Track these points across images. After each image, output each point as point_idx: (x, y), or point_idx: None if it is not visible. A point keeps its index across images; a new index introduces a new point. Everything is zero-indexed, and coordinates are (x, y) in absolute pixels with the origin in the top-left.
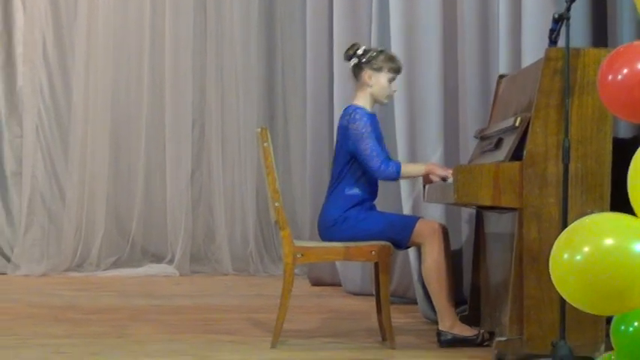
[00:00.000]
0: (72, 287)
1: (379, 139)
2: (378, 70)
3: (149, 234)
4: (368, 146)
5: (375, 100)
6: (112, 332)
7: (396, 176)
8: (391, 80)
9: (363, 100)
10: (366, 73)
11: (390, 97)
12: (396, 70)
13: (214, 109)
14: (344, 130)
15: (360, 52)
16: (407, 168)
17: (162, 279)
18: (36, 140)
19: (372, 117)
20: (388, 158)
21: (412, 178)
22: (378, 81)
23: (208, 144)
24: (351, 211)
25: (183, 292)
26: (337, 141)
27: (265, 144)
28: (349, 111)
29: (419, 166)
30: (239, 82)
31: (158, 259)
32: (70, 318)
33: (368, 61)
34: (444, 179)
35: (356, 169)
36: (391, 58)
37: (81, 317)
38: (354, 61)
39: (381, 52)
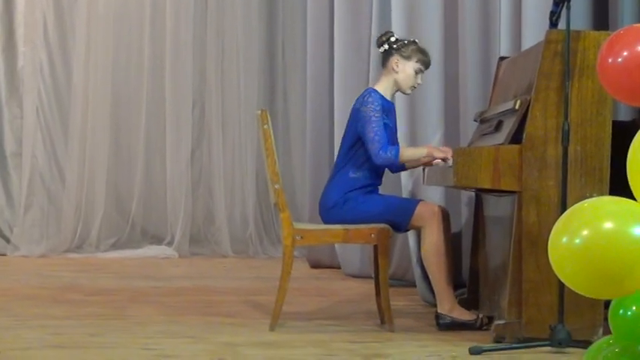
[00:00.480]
0: (71, 268)
1: (391, 127)
2: (407, 58)
3: (149, 215)
4: (373, 130)
5: (398, 88)
6: (111, 314)
7: (394, 160)
8: (418, 72)
9: (384, 86)
10: (394, 59)
11: (414, 88)
12: (425, 63)
13: (214, 91)
14: (356, 113)
15: (392, 39)
16: (407, 152)
17: (162, 260)
18: (36, 121)
19: (388, 104)
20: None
21: (414, 161)
22: (404, 69)
23: (208, 125)
24: (352, 193)
25: (183, 274)
26: (347, 123)
27: (265, 126)
28: (365, 94)
29: (420, 149)
30: (239, 64)
31: (158, 240)
32: (70, 299)
33: (398, 49)
34: (444, 160)
35: (362, 152)
36: (422, 51)
37: (80, 298)
38: (385, 47)
39: (413, 42)
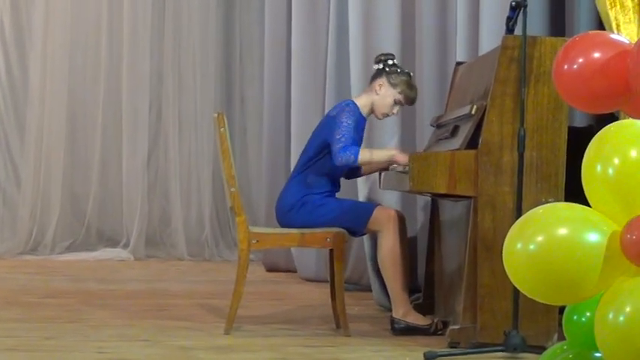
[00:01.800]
0: (26, 271)
1: (359, 140)
2: (393, 85)
3: (104, 217)
4: (340, 132)
5: (371, 110)
6: (65, 317)
7: (354, 160)
8: (397, 103)
9: (363, 102)
10: (380, 81)
11: (386, 116)
12: (408, 98)
13: (171, 93)
14: (330, 120)
15: (390, 62)
16: (367, 153)
17: (117, 263)
18: None
19: (362, 119)
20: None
21: (374, 164)
22: (385, 94)
23: (165, 128)
24: (309, 197)
25: (138, 277)
26: (317, 129)
27: (222, 129)
28: (343, 104)
29: (383, 152)
30: (196, 66)
31: (113, 242)
32: (24, 302)
33: (389, 73)
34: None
35: (324, 163)
36: (411, 85)
37: (34, 301)
38: (379, 66)
39: (406, 73)
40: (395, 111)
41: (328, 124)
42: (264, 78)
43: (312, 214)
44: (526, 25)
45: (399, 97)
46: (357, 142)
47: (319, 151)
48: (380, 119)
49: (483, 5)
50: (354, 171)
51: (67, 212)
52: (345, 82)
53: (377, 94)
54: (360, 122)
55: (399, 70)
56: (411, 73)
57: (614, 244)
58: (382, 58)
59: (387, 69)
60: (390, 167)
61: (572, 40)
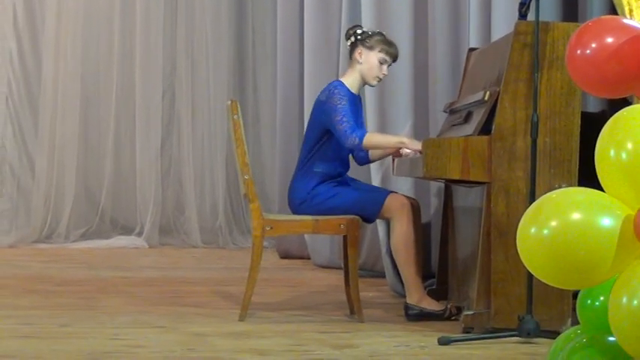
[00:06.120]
0: (40, 259)
1: (357, 118)
2: (370, 48)
3: (118, 205)
4: (340, 115)
5: (363, 80)
6: (80, 304)
7: (358, 143)
8: (382, 62)
9: (350, 79)
10: (358, 50)
11: (379, 79)
12: (390, 54)
13: (184, 81)
14: (321, 105)
15: (358, 31)
16: (374, 137)
17: (131, 251)
18: (5, 111)
19: (354, 96)
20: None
21: (381, 150)
22: (367, 59)
23: (178, 115)
24: (320, 187)
25: (152, 264)
26: (312, 116)
27: (235, 116)
28: (330, 87)
29: (392, 138)
30: (210, 53)
31: (127, 230)
32: (39, 289)
33: (362, 40)
34: (420, 152)
35: (327, 148)
36: (387, 41)
37: (49, 289)
38: (352, 39)
39: (379, 33)
40: (385, 71)
41: (321, 109)
42: (277, 66)
43: (324, 204)
44: (539, 10)
45: (381, 55)
46: (357, 121)
47: (319, 137)
48: (374, 85)
49: None
50: (361, 155)
51: (81, 200)
52: None
53: (360, 63)
54: (352, 100)
55: (370, 33)
56: (383, 32)
57: (628, 228)
58: (350, 32)
59: (359, 37)
60: (403, 154)
61: (584, 25)
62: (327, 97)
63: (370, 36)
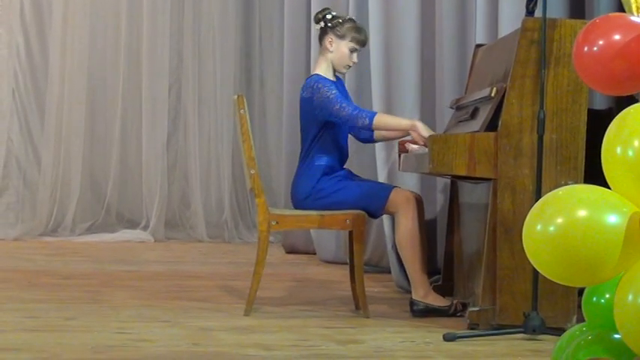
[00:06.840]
0: (46, 252)
1: (348, 100)
2: (341, 37)
3: (124, 199)
4: (337, 103)
5: (334, 67)
6: (86, 298)
7: (368, 123)
8: (353, 51)
9: (324, 68)
10: (328, 38)
11: (349, 67)
12: (359, 42)
13: (191, 75)
14: (307, 103)
15: (328, 17)
16: (385, 118)
17: (137, 245)
18: (12, 103)
19: (335, 83)
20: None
21: (391, 130)
22: (338, 48)
23: (185, 109)
24: (322, 182)
25: (158, 258)
26: (302, 114)
27: (242, 111)
28: (311, 83)
29: (402, 120)
30: (216, 48)
31: (133, 224)
32: (44, 283)
33: (332, 27)
34: (426, 145)
35: (325, 140)
36: (357, 29)
37: (55, 282)
38: (321, 25)
39: (349, 20)
40: (355, 59)
41: (312, 106)
42: (283, 60)
43: (328, 199)
44: (546, 7)
45: (352, 44)
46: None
47: (316, 132)
48: (344, 72)
49: None
50: (365, 134)
51: (87, 194)
52: (365, 64)
53: (330, 51)
54: (337, 86)
55: (341, 20)
56: (352, 17)
57: (634, 225)
58: (320, 17)
59: (330, 24)
60: (409, 149)
61: (592, 23)
62: (313, 93)
63: (341, 24)
